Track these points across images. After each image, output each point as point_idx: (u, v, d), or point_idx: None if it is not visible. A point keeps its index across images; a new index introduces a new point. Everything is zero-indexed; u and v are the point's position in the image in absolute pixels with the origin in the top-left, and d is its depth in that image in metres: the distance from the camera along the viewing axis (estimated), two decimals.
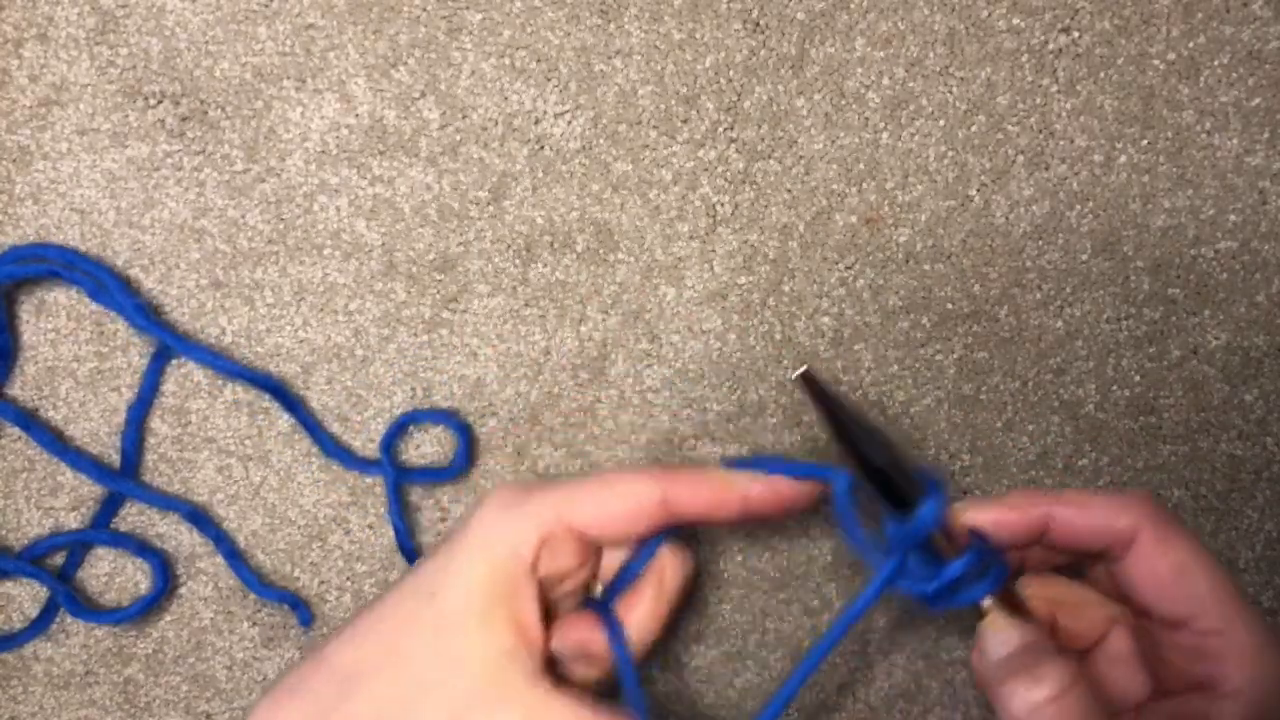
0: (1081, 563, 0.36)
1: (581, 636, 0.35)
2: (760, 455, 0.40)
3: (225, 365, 0.42)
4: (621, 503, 0.34)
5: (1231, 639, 0.31)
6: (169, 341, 0.41)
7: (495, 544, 0.33)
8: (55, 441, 0.42)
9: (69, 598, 0.42)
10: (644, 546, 0.36)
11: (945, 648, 0.43)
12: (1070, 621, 0.35)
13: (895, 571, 0.33)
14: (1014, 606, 0.34)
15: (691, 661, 0.43)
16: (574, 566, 0.35)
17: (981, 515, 0.34)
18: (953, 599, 0.33)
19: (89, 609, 0.43)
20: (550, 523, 0.34)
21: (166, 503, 0.42)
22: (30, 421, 0.42)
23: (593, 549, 0.36)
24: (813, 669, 0.34)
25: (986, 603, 0.33)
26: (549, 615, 0.35)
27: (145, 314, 0.41)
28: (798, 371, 0.35)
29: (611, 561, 0.37)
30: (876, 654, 0.43)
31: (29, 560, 0.43)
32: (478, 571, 0.33)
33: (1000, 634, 0.33)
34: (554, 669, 0.35)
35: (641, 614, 0.35)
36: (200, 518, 0.43)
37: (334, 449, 0.42)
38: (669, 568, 0.36)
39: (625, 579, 0.36)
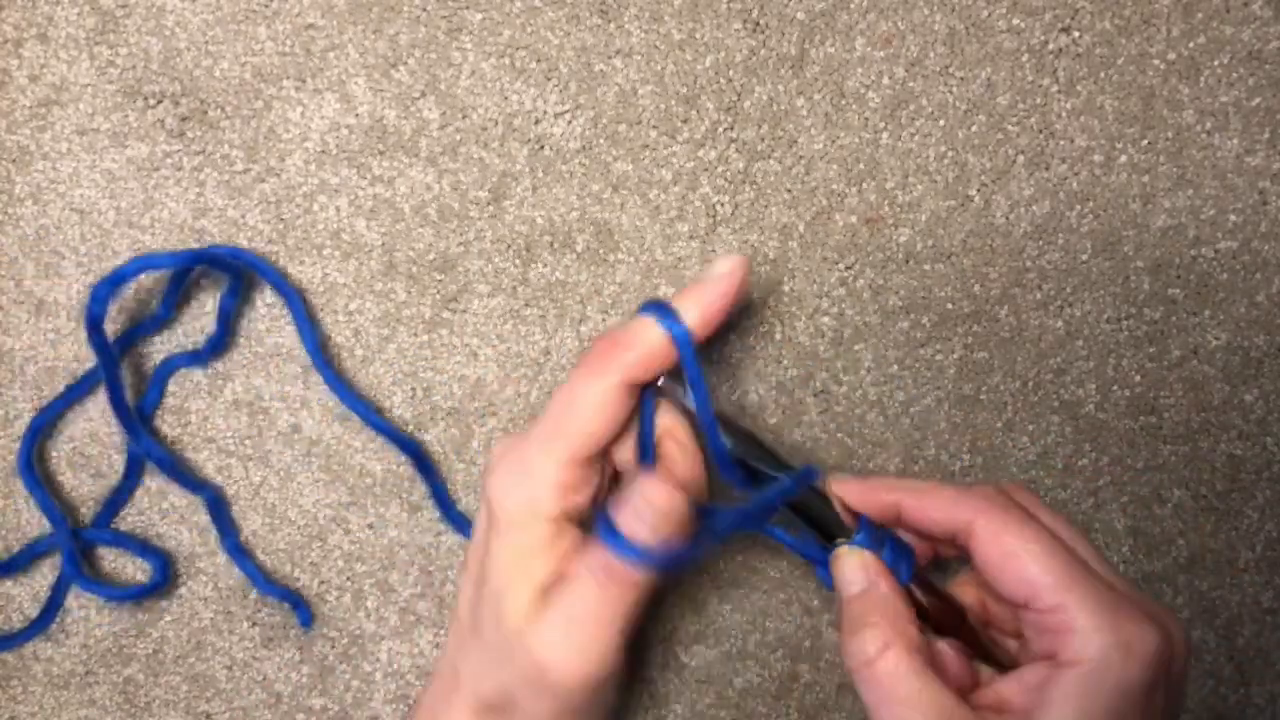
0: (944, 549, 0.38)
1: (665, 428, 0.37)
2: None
3: (377, 421, 0.42)
4: (593, 408, 0.36)
5: (1064, 616, 0.32)
6: (329, 380, 0.42)
7: (519, 528, 0.36)
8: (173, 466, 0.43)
9: (77, 570, 0.42)
10: (645, 413, 0.37)
11: None
12: (996, 606, 0.37)
13: (762, 514, 0.36)
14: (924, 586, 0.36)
15: (691, 661, 0.43)
16: (594, 481, 0.37)
17: (845, 488, 0.37)
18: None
19: (96, 581, 0.43)
20: (558, 474, 0.36)
21: (192, 484, 0.42)
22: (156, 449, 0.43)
23: (603, 442, 0.37)
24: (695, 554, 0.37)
25: (840, 548, 0.36)
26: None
27: (319, 353, 0.42)
28: (659, 382, 0.37)
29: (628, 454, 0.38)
30: None
31: (29, 560, 0.43)
32: (510, 562, 0.36)
33: (845, 571, 0.35)
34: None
35: (670, 449, 0.37)
36: (219, 504, 0.43)
37: (458, 518, 0.43)
38: (677, 428, 0.38)
39: (646, 444, 0.37)
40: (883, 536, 0.36)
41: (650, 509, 0.34)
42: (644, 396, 0.37)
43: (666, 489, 0.35)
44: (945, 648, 0.36)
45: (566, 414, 0.36)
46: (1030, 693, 0.33)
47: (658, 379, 0.37)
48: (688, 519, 0.35)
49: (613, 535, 0.34)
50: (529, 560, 0.35)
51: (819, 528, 0.36)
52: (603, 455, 0.37)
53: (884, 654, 0.33)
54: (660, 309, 0.35)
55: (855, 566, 0.35)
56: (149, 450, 0.42)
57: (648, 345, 0.35)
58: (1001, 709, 0.34)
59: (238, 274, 0.42)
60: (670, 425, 0.37)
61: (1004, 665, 0.37)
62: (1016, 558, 0.33)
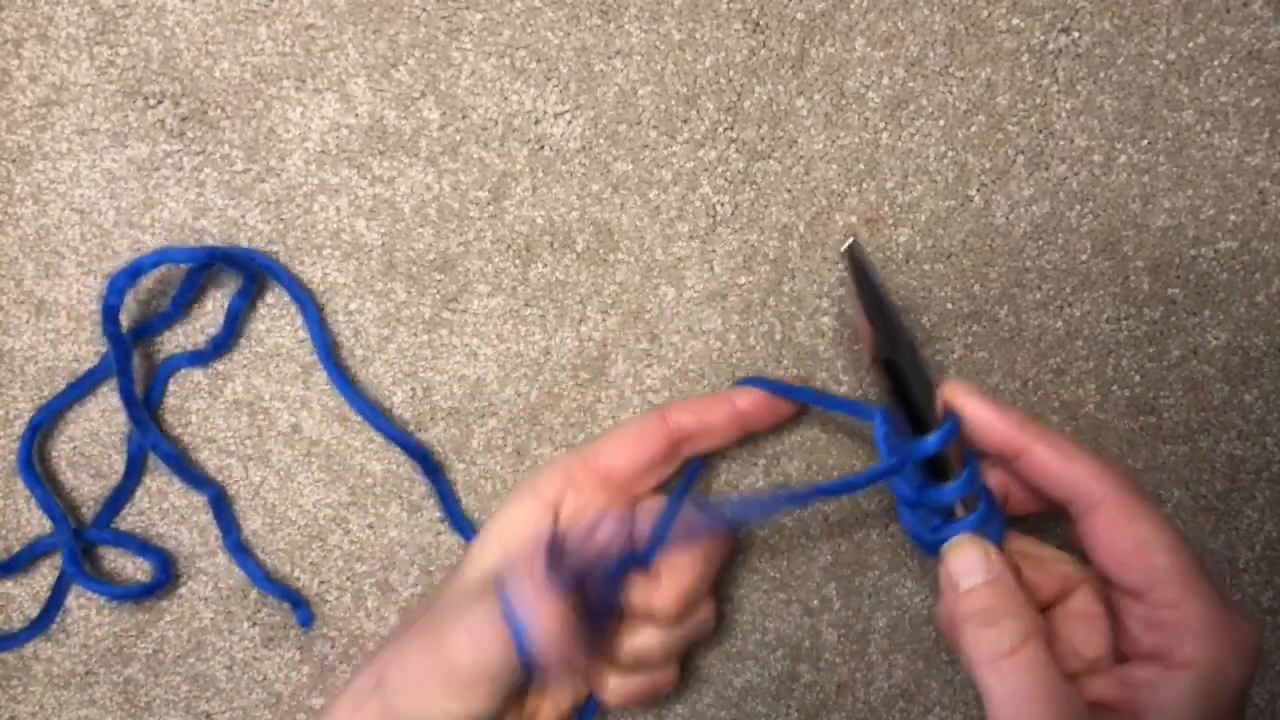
0: (1043, 512, 0.37)
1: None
2: (779, 381, 0.41)
3: (384, 426, 0.42)
4: (629, 434, 0.38)
5: (1186, 613, 0.31)
6: (340, 385, 0.42)
7: (524, 489, 0.38)
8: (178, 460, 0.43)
9: (78, 568, 0.42)
10: (673, 499, 0.39)
11: (945, 648, 0.43)
12: (1034, 575, 0.36)
13: (889, 472, 0.35)
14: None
15: (691, 661, 0.43)
16: (600, 501, 0.38)
17: (970, 404, 0.35)
18: (930, 507, 0.35)
19: (96, 580, 0.43)
20: (574, 466, 0.38)
21: (196, 480, 0.42)
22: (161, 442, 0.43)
23: (621, 491, 0.38)
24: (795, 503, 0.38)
25: (959, 536, 0.35)
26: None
27: (328, 353, 0.42)
28: (846, 244, 0.37)
29: (646, 528, 0.38)
30: (876, 654, 0.43)
31: (29, 560, 0.43)
32: (502, 513, 0.38)
33: (965, 560, 0.34)
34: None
35: (681, 562, 0.37)
36: (222, 501, 0.43)
37: (462, 521, 0.43)
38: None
39: (660, 533, 0.38)
40: (981, 491, 0.35)
41: (535, 627, 0.34)
42: (678, 493, 0.39)
43: (551, 617, 0.34)
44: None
45: (608, 433, 0.39)
46: (1138, 691, 0.32)
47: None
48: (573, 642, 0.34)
49: (510, 609, 0.34)
50: (509, 527, 0.37)
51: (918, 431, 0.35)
52: (625, 505, 0.38)
53: (1025, 646, 0.32)
54: (756, 382, 0.40)
55: (979, 556, 0.34)
56: (155, 444, 0.42)
57: (717, 410, 0.39)
58: (1103, 706, 0.33)
59: (251, 275, 0.42)
60: (694, 522, 0.38)
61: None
62: (1148, 546, 0.32)
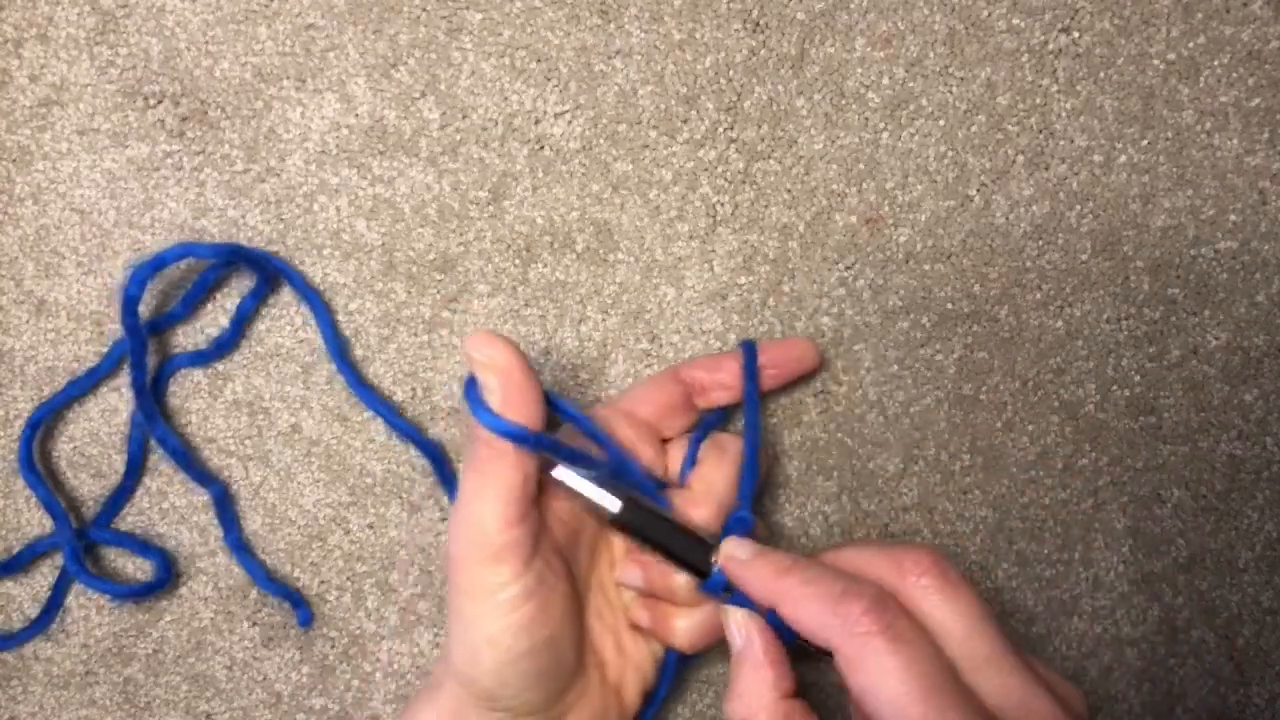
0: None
1: (642, 561, 0.38)
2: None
3: (395, 420, 0.42)
4: (647, 384, 0.40)
5: None
6: (354, 386, 0.42)
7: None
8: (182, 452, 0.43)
9: (79, 566, 0.42)
10: (696, 434, 0.39)
11: None
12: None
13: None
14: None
15: (691, 662, 0.43)
16: (631, 437, 0.38)
17: (736, 569, 0.35)
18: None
19: (98, 577, 0.43)
20: (603, 412, 0.38)
21: (201, 477, 0.43)
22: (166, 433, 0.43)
23: (649, 430, 0.39)
24: None
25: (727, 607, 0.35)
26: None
27: (340, 352, 0.42)
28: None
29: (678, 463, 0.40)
30: None
31: (29, 560, 0.43)
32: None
33: (731, 627, 0.35)
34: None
35: (705, 471, 0.39)
36: (225, 499, 0.43)
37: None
38: (728, 440, 0.39)
39: (691, 453, 0.39)
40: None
41: (487, 370, 0.34)
42: (703, 427, 0.40)
43: (488, 338, 0.34)
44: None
45: (629, 387, 0.39)
46: None
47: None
48: (531, 382, 0.34)
49: (476, 404, 0.34)
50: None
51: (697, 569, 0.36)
52: (649, 436, 0.39)
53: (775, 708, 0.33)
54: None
55: (731, 625, 0.34)
56: (163, 438, 0.42)
57: (724, 363, 0.40)
58: None
59: (266, 277, 0.42)
60: (720, 438, 0.39)
61: None
62: (866, 694, 0.31)
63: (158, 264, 0.40)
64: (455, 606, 0.35)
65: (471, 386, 0.34)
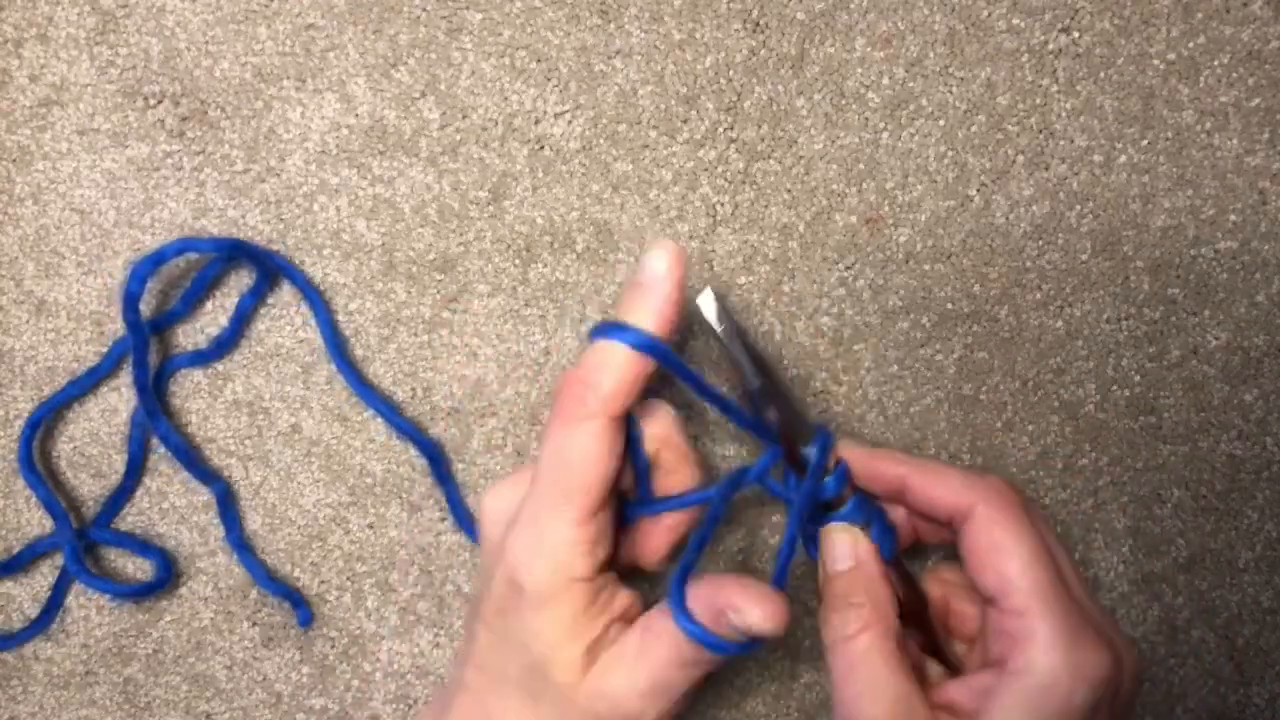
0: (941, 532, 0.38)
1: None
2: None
3: (393, 416, 0.42)
4: (583, 456, 0.35)
5: (1028, 623, 0.32)
6: (354, 384, 0.42)
7: (548, 593, 0.35)
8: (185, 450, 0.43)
9: (80, 566, 0.42)
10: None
11: None
12: (960, 605, 0.38)
13: (806, 499, 0.36)
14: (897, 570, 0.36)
15: None
16: (612, 518, 0.36)
17: (852, 455, 0.37)
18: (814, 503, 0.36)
19: (98, 577, 0.43)
20: (576, 535, 0.35)
21: (204, 474, 0.42)
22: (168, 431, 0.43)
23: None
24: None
25: (833, 524, 0.36)
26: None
27: (341, 353, 0.42)
28: (704, 296, 0.36)
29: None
30: None
31: (29, 560, 0.43)
32: (551, 627, 0.35)
33: (838, 545, 0.36)
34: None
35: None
36: (227, 497, 0.43)
37: (466, 519, 0.43)
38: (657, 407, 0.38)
39: (641, 473, 0.37)
40: (871, 513, 0.36)
41: (745, 617, 0.33)
42: (630, 423, 0.36)
43: (772, 608, 0.33)
44: (905, 640, 0.36)
45: (563, 471, 0.35)
46: (978, 697, 0.33)
47: (640, 400, 0.36)
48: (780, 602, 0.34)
49: (689, 623, 0.33)
50: (575, 625, 0.34)
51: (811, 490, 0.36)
52: (613, 492, 0.36)
53: (861, 634, 0.33)
54: (613, 330, 0.34)
55: (845, 542, 0.36)
56: (165, 435, 0.42)
57: (617, 372, 0.34)
58: (950, 710, 0.34)
59: (266, 274, 0.42)
60: (665, 433, 0.37)
61: (951, 666, 0.37)
62: (1002, 552, 0.33)
63: (158, 259, 0.40)
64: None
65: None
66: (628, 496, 0.38)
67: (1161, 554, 0.43)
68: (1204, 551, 0.43)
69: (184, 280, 0.43)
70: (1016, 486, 0.36)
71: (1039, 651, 0.32)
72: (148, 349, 0.41)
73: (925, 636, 0.37)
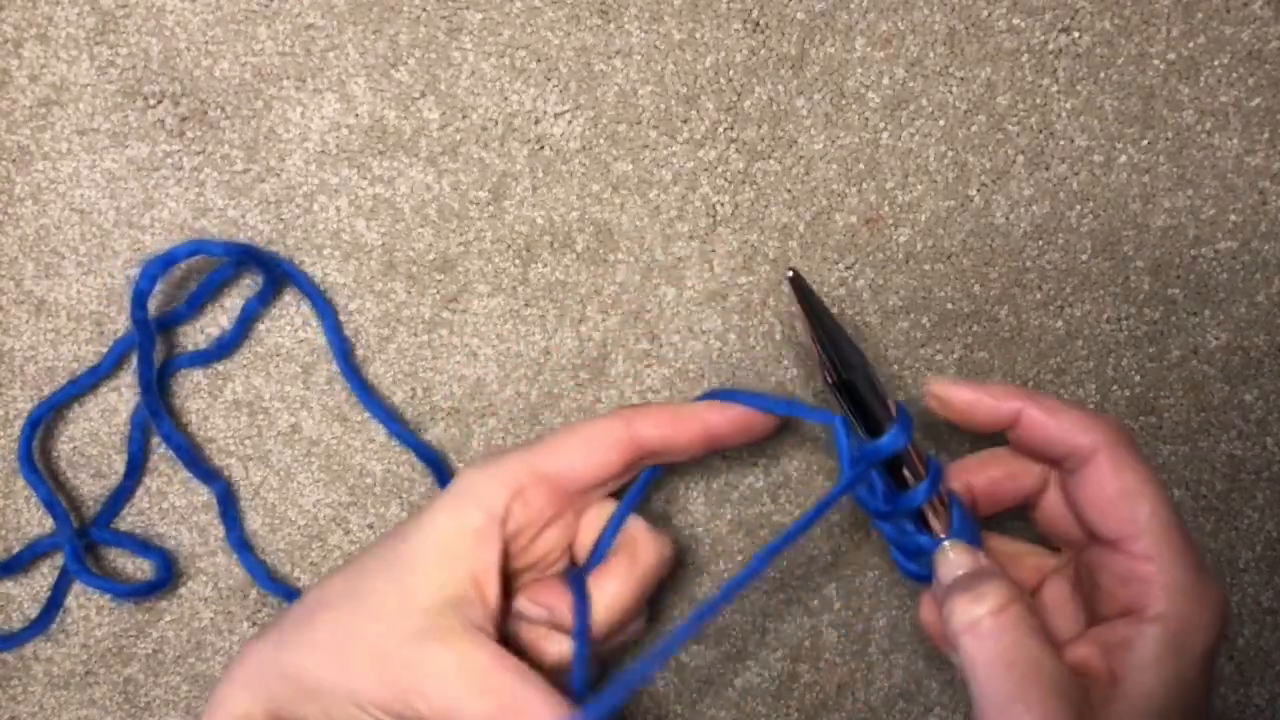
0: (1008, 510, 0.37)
1: (549, 601, 0.36)
2: (746, 391, 0.39)
3: (396, 428, 0.42)
4: (588, 443, 0.36)
5: (1160, 565, 0.31)
6: (360, 395, 0.42)
7: (466, 497, 0.35)
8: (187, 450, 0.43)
9: (80, 565, 0.42)
10: (618, 513, 0.38)
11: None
12: (1010, 572, 0.36)
13: (855, 481, 0.35)
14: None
15: (691, 662, 0.43)
16: (549, 516, 0.36)
17: (962, 393, 0.35)
18: (901, 515, 0.36)
19: (100, 577, 0.43)
20: (522, 475, 0.35)
21: (205, 473, 0.43)
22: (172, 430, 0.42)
23: (571, 502, 0.37)
24: (771, 558, 0.36)
25: (946, 543, 0.35)
26: (517, 578, 0.37)
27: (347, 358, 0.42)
28: (789, 274, 0.36)
29: (589, 537, 0.38)
30: (876, 654, 0.43)
31: (29, 560, 0.43)
32: (442, 521, 0.35)
33: (953, 561, 0.35)
34: (507, 633, 0.36)
35: (613, 588, 0.36)
36: (228, 496, 0.43)
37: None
38: (642, 543, 0.37)
39: (601, 549, 0.37)
40: (949, 496, 0.36)
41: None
42: (622, 508, 0.37)
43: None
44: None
45: (564, 433, 0.35)
46: (1113, 653, 0.32)
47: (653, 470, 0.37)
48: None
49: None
50: (455, 543, 0.34)
51: (889, 470, 0.35)
52: (573, 513, 0.37)
53: (1006, 610, 0.32)
54: (724, 395, 0.36)
55: (965, 552, 0.35)
56: (168, 434, 0.42)
57: (687, 428, 0.36)
58: (1083, 672, 0.32)
59: (273, 280, 0.42)
60: (636, 535, 0.37)
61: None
62: (1132, 497, 0.32)
63: (169, 260, 0.40)
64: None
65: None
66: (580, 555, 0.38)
67: None
68: (1204, 551, 0.43)
69: (189, 281, 0.43)
70: (1126, 426, 0.35)
71: (1176, 595, 0.31)
72: (154, 347, 0.41)
73: None
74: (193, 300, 0.42)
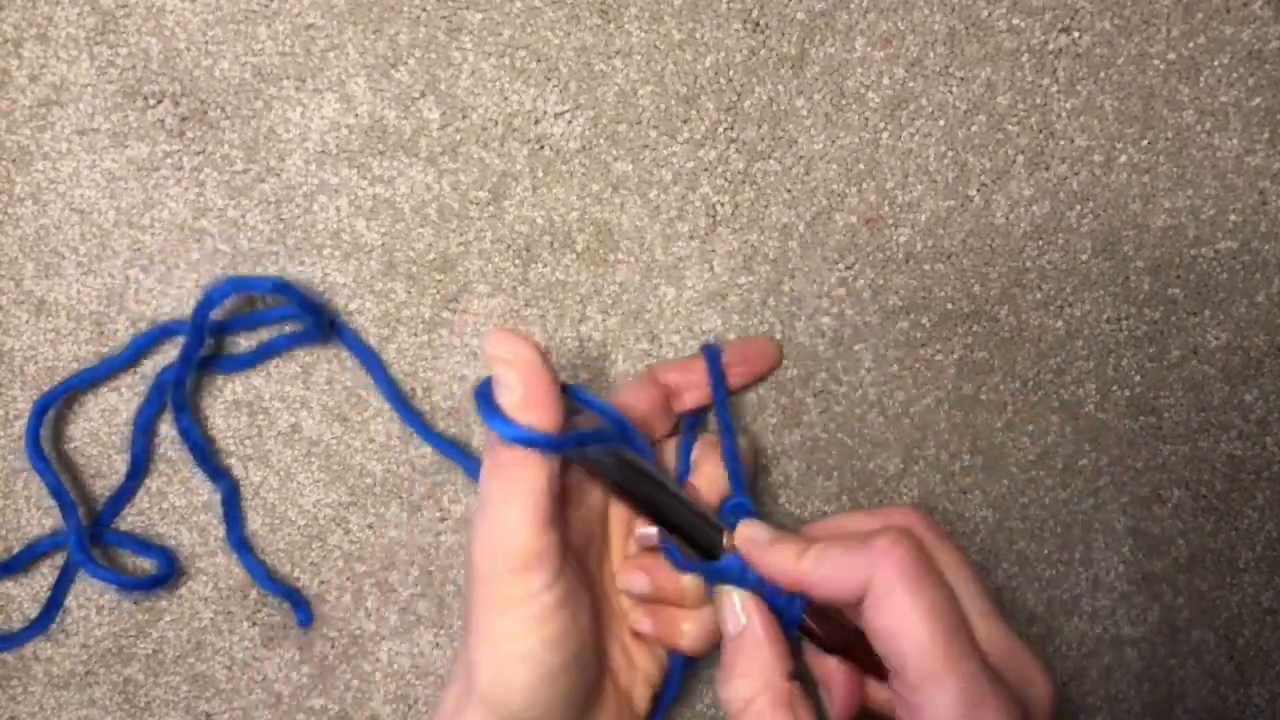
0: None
1: (648, 566, 0.38)
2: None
3: (463, 459, 0.42)
4: (632, 385, 0.40)
5: (925, 697, 0.31)
6: (413, 426, 0.42)
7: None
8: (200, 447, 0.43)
9: (86, 555, 0.42)
10: (687, 424, 0.41)
11: None
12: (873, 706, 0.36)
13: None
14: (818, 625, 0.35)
15: (692, 662, 0.43)
16: None
17: (753, 551, 0.35)
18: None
19: (104, 568, 0.42)
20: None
21: (214, 471, 0.43)
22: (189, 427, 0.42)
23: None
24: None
25: (723, 588, 0.35)
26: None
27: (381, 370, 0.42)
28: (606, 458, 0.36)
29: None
30: None
31: (29, 560, 0.43)
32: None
33: (724, 608, 0.35)
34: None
35: (712, 472, 0.38)
36: (233, 496, 0.43)
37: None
38: (717, 448, 0.39)
39: (685, 452, 0.39)
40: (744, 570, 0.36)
41: (508, 366, 0.32)
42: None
43: (508, 334, 0.32)
44: (836, 666, 0.35)
45: (615, 391, 0.38)
46: None
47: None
48: (551, 378, 0.33)
49: (491, 413, 0.32)
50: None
51: (704, 550, 0.36)
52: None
53: (750, 706, 0.33)
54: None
55: (730, 606, 0.34)
56: (187, 430, 0.42)
57: (695, 367, 0.41)
58: None
59: (319, 329, 0.42)
60: (710, 444, 0.39)
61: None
62: (895, 634, 0.31)
63: (248, 285, 0.41)
64: (481, 624, 0.33)
65: (485, 393, 0.33)
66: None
67: (1161, 554, 0.43)
68: (1204, 551, 0.43)
69: (240, 301, 0.43)
70: (918, 518, 0.34)
71: None
72: (199, 351, 0.41)
73: (866, 659, 0.35)
74: (240, 322, 0.42)
